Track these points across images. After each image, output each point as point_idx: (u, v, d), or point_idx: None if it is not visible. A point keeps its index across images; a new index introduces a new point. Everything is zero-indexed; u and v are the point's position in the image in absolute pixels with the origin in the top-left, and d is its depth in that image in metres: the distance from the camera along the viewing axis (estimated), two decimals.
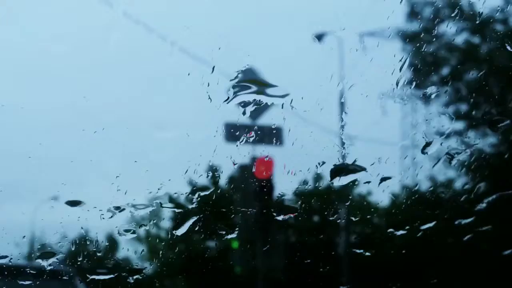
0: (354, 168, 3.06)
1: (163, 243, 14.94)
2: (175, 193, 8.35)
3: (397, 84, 3.41)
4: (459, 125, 8.46)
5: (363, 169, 3.03)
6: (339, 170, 3.13)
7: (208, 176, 8.52)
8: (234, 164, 3.67)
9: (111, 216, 3.34)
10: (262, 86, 4.04)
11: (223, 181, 8.30)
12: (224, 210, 7.59)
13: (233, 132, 4.16)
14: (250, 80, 4.07)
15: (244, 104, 4.06)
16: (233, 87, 4.04)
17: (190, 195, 7.97)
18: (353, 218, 8.44)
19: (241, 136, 4.08)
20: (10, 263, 3.30)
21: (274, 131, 4.30)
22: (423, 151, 3.54)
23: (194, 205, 8.08)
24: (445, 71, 8.45)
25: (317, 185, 11.27)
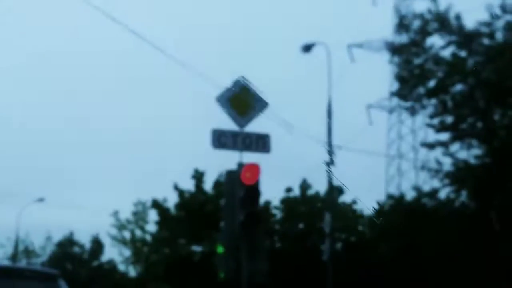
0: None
1: (147, 248, 14.89)
2: (157, 201, 8.33)
3: (380, 99, 3.47)
4: (445, 136, 8.53)
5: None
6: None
7: (194, 182, 8.53)
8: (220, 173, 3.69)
9: (97, 220, 3.38)
10: (251, 97, 4.09)
11: (209, 187, 8.32)
12: (209, 215, 7.59)
13: (220, 139, 4.20)
14: (240, 90, 4.12)
15: (233, 114, 4.11)
16: (223, 97, 4.08)
17: (175, 201, 7.94)
18: (336, 225, 8.45)
19: (229, 143, 4.11)
20: None
21: (261, 139, 4.34)
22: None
23: (179, 211, 8.06)
24: (431, 83, 8.51)
25: (303, 192, 11.24)
